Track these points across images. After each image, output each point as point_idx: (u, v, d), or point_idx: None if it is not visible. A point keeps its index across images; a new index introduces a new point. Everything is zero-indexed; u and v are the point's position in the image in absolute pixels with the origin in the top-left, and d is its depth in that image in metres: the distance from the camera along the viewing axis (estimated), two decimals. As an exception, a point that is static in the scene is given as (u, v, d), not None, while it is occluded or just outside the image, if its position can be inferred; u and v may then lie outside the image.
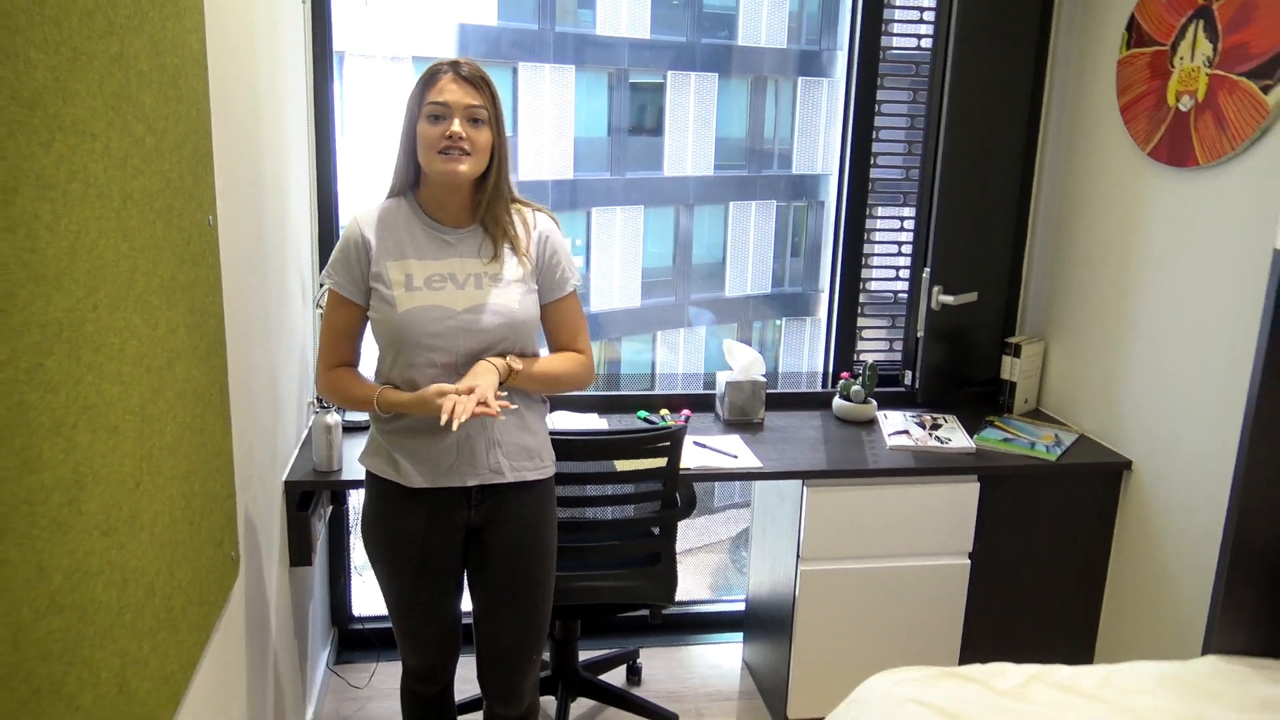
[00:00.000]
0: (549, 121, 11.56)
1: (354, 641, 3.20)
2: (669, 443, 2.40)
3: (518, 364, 1.91)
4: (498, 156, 1.90)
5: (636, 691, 2.97)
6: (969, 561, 2.73)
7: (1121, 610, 2.77)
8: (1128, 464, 2.73)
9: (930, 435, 2.84)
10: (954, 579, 2.73)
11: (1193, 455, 2.50)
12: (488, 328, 1.90)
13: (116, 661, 1.20)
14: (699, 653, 3.26)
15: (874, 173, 3.20)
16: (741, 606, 3.31)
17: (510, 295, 1.92)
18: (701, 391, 3.11)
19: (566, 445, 2.30)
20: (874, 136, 3.17)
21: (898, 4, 3.10)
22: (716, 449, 2.71)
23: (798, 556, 2.65)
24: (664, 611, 3.17)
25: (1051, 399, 3.12)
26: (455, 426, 1.70)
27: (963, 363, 3.15)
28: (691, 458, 2.63)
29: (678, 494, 2.53)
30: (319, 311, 2.72)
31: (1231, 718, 1.87)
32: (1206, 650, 2.11)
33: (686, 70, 12.39)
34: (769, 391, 3.06)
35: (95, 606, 1.14)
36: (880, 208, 3.24)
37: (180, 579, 1.47)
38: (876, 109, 3.15)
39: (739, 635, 3.33)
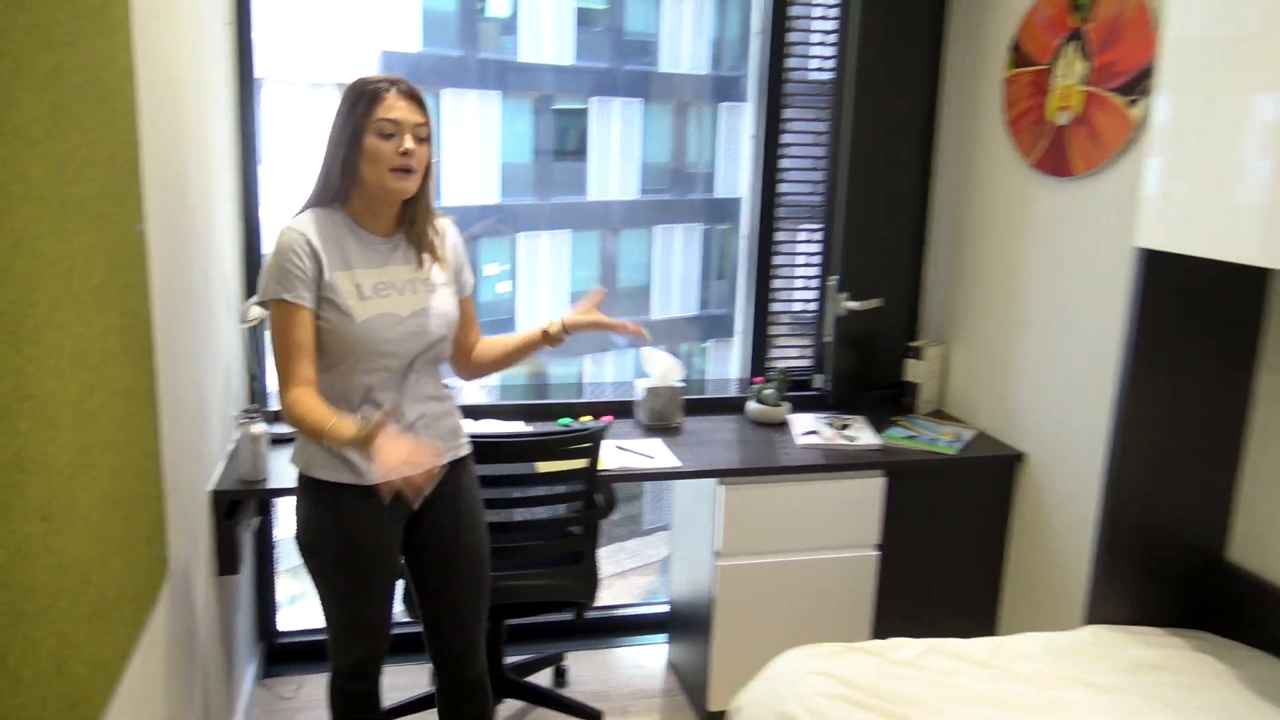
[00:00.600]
0: (474, 147, 11.65)
1: (281, 655, 3.22)
2: (589, 444, 2.50)
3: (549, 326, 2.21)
4: (430, 171, 2.01)
5: (563, 692, 3.05)
6: (878, 553, 2.88)
7: (1019, 590, 2.95)
8: (1020, 456, 2.92)
9: (839, 434, 2.99)
10: (864, 569, 2.88)
11: (1076, 445, 2.69)
12: (431, 331, 2.02)
13: (54, 642, 1.26)
14: (624, 654, 3.35)
15: (783, 188, 3.36)
16: (665, 609, 3.41)
17: (443, 299, 2.06)
18: (623, 399, 3.22)
19: (489, 447, 2.39)
20: (781, 154, 3.33)
21: (801, 28, 3.27)
22: (636, 451, 2.82)
23: (715, 553, 2.77)
24: (588, 614, 3.28)
25: (953, 399, 3.30)
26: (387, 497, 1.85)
27: (870, 366, 3.32)
28: (611, 459, 2.73)
29: (598, 495, 2.63)
30: (245, 327, 2.78)
31: (1109, 679, 2.03)
32: (1088, 621, 2.28)
33: (610, 96, 12.59)
34: (687, 398, 3.19)
35: (35, 587, 1.20)
36: (789, 221, 3.41)
37: (113, 571, 1.53)
38: (782, 128, 3.31)
39: (664, 637, 3.43)
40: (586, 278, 13.19)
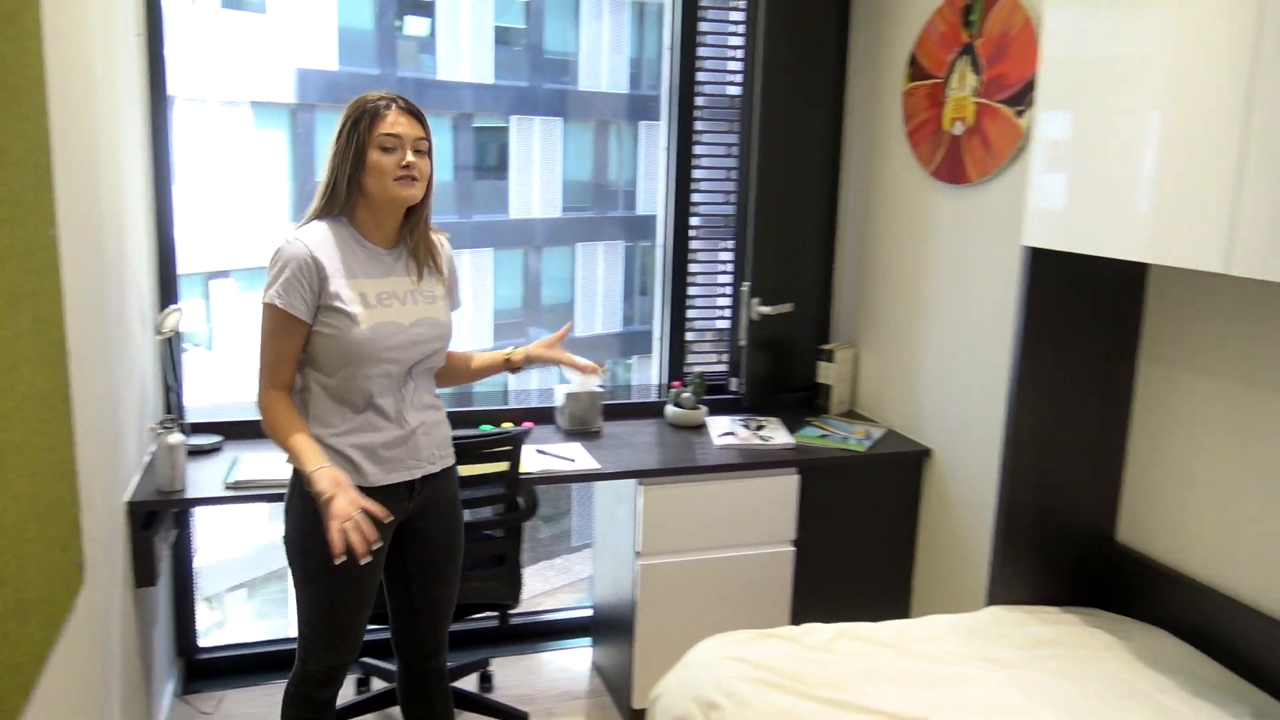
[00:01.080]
0: (393, 165, 11.55)
1: (201, 671, 3.19)
2: (509, 446, 2.55)
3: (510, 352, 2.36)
4: (431, 186, 2.10)
5: (489, 696, 3.07)
6: (793, 548, 2.97)
7: (929, 577, 3.07)
8: (927, 452, 3.04)
9: (754, 435, 3.08)
10: (780, 564, 2.96)
11: (977, 439, 2.82)
12: (429, 339, 2.12)
13: (-30, 638, 1.27)
14: (549, 659, 3.39)
15: (697, 198, 3.45)
16: (589, 613, 3.46)
17: (440, 310, 2.17)
18: (544, 405, 3.27)
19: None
20: (694, 167, 3.43)
21: (713, 43, 3.38)
22: (557, 455, 2.87)
23: (636, 553, 2.83)
24: (513, 620, 3.31)
25: (863, 399, 3.42)
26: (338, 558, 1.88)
27: (784, 370, 3.42)
28: (532, 463, 2.78)
29: (520, 498, 2.67)
30: (161, 339, 2.76)
31: (1008, 654, 2.14)
32: (990, 603, 2.40)
33: (530, 114, 12.64)
34: (607, 403, 3.25)
35: (-50, 582, 1.21)
36: (705, 230, 3.50)
37: (30, 574, 1.53)
38: (695, 140, 3.41)
39: (588, 640, 3.47)
40: (510, 295, 13.18)
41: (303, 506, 2.06)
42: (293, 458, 1.99)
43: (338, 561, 1.88)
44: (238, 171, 9.89)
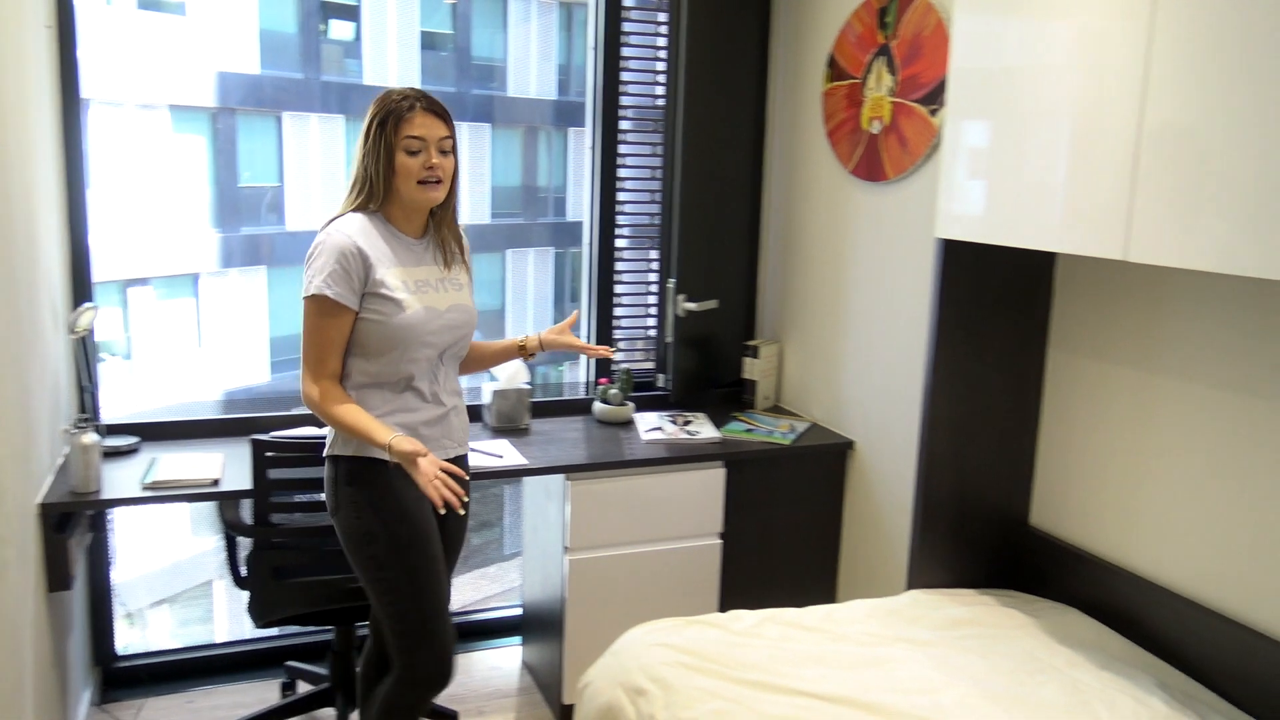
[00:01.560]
0: (318, 171, 11.43)
1: (120, 680, 3.11)
2: (435, 442, 2.54)
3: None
4: (456, 179, 2.16)
5: (419, 697, 3.05)
6: (720, 541, 3.01)
7: (854, 564, 3.14)
8: (850, 444, 3.11)
9: (681, 430, 3.12)
10: (708, 556, 3.00)
11: (898, 429, 2.88)
12: (460, 325, 2.20)
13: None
14: (479, 658, 3.37)
15: (623, 197, 3.48)
16: (519, 611, 3.45)
17: (467, 297, 2.25)
18: (471, 403, 3.25)
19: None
20: (620, 166, 3.45)
21: (636, 44, 3.41)
22: (484, 451, 2.87)
23: (565, 548, 2.84)
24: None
25: (789, 394, 3.48)
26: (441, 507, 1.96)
27: (710, 366, 3.47)
28: (460, 460, 2.77)
29: (447, 494, 2.66)
30: (74, 338, 2.70)
31: (927, 635, 2.20)
32: (909, 587, 2.46)
33: (458, 120, 12.56)
34: (534, 400, 3.26)
35: None
36: (631, 229, 3.53)
37: (-66, 569, 1.49)
38: (620, 139, 3.44)
39: (518, 639, 3.47)
40: (439, 303, 13.06)
41: (355, 495, 2.11)
42: (363, 435, 2.02)
43: (442, 512, 1.97)
44: (156, 177, 9.67)
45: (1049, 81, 1.95)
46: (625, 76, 3.42)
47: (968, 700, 1.92)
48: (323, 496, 2.21)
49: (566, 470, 2.80)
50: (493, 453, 2.86)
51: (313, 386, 2.07)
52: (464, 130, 12.52)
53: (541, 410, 3.31)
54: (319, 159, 11.39)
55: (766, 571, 3.10)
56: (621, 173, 3.47)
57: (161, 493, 2.49)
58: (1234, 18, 1.59)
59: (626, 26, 3.39)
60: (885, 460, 2.96)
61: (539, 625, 3.16)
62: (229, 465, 2.67)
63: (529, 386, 3.17)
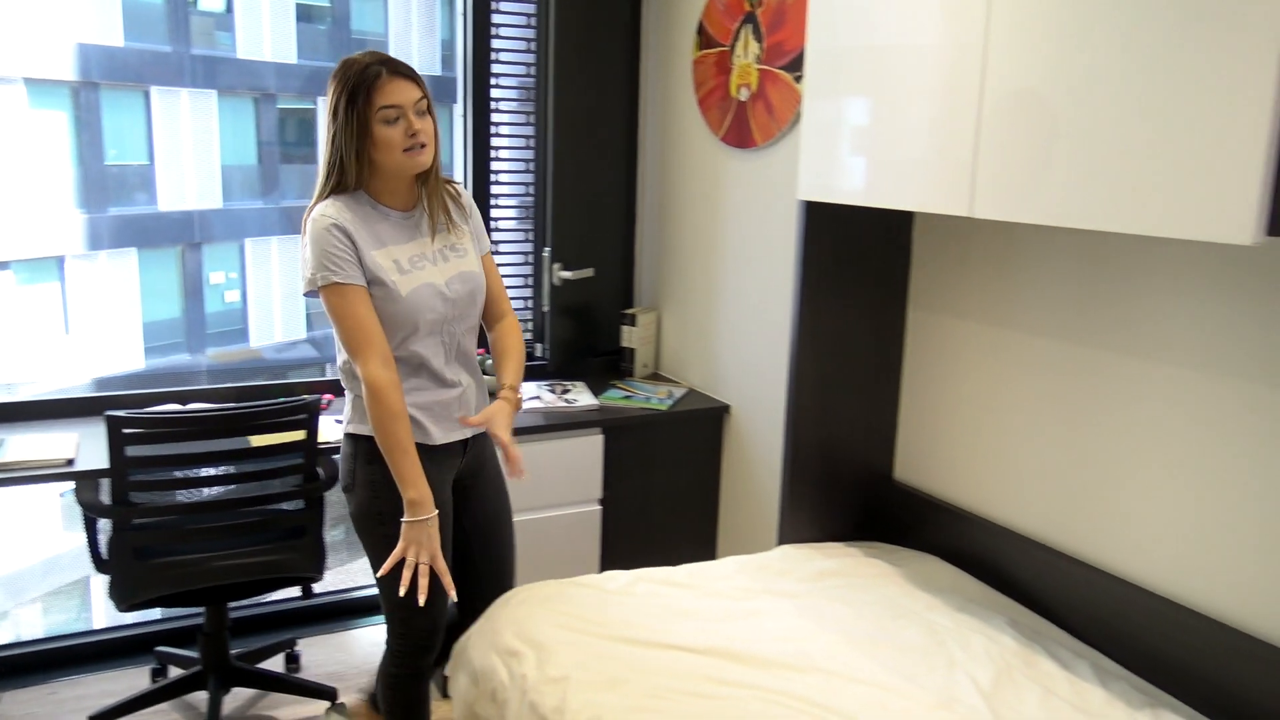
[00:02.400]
0: (190, 148, 11.01)
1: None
2: (304, 414, 2.49)
3: (514, 392, 2.20)
4: (437, 140, 2.08)
5: (297, 675, 3.00)
6: (600, 507, 3.03)
7: (732, 524, 3.21)
8: (726, 408, 3.16)
9: (560, 399, 3.12)
10: (589, 522, 3.02)
11: (769, 391, 2.95)
12: (465, 295, 2.13)
13: None
14: (361, 635, 3.33)
15: (498, 166, 3.45)
16: (402, 586, 3.42)
17: (470, 262, 2.17)
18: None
19: (198, 421, 2.34)
20: (493, 135, 3.42)
21: (507, 11, 3.38)
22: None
23: (444, 519, 2.82)
24: (323, 598, 3.25)
25: (666, 361, 3.52)
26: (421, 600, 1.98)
27: (588, 335, 3.48)
28: (332, 433, 2.72)
29: (319, 468, 2.62)
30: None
31: (795, 587, 2.26)
32: (780, 542, 2.52)
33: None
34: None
35: None
36: (506, 199, 3.51)
37: None
38: (494, 107, 3.41)
39: (401, 614, 3.43)
40: (325, 284, 12.73)
41: (373, 474, 2.08)
42: (393, 465, 2.00)
43: (402, 593, 1.97)
44: (12, 155, 9.19)
45: (899, 49, 2.01)
46: (497, 45, 3.38)
47: (832, 647, 1.99)
48: (179, 474, 2.16)
49: (442, 441, 2.78)
50: (366, 425, 2.82)
51: (378, 370, 1.99)
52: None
53: (418, 383, 3.27)
54: (191, 136, 10.98)
55: (647, 535, 3.14)
56: (496, 143, 3.44)
57: (12, 474, 2.38)
58: (1063, -19, 1.66)
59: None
60: (759, 422, 3.02)
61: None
62: (85, 445, 2.57)
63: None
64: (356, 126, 1.98)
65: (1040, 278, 2.16)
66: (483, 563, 2.33)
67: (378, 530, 2.11)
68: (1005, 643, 2.00)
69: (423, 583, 1.97)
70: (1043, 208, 1.72)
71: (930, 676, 1.89)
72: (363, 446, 2.10)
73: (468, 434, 2.20)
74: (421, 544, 1.99)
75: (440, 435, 2.14)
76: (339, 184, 2.04)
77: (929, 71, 1.94)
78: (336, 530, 8.08)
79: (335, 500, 2.53)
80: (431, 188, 2.13)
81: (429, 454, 2.11)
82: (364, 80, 1.96)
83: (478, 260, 2.20)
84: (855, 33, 2.13)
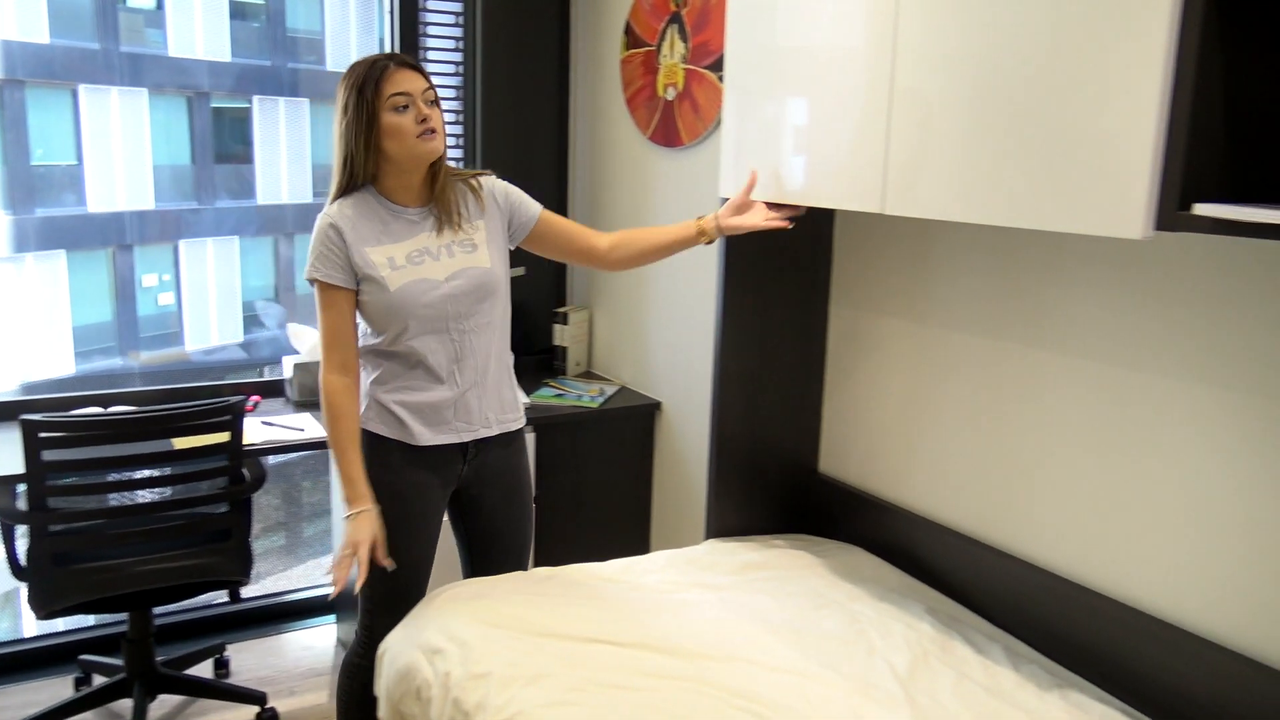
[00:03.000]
0: (120, 148, 10.79)
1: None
2: (228, 416, 2.47)
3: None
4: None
5: (225, 681, 2.97)
6: (533, 505, 3.03)
7: (665, 520, 3.24)
8: (658, 405, 3.19)
9: (491, 397, 3.12)
10: (520, 522, 3.03)
11: (698, 388, 2.98)
12: (468, 291, 2.10)
13: None
14: (291, 639, 3.30)
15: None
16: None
17: (481, 257, 2.13)
18: (274, 379, 3.18)
19: (117, 424, 2.30)
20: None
21: (435, 8, 3.37)
22: (284, 425, 2.80)
23: (374, 520, 2.81)
24: (252, 602, 3.22)
25: (600, 359, 3.54)
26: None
27: (520, 334, 3.47)
28: (259, 434, 2.70)
29: (244, 469, 2.59)
30: None
31: (721, 579, 2.29)
32: (708, 536, 2.55)
33: (274, 95, 12.07)
34: (341, 374, 3.19)
35: None
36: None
37: None
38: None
39: (332, 617, 3.41)
40: (262, 287, 12.59)
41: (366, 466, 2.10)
42: (340, 467, 2.05)
43: (334, 594, 2.02)
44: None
45: (814, 50, 2.05)
46: (426, 43, 3.37)
47: (755, 637, 2.02)
48: (98, 479, 2.13)
49: (371, 441, 2.77)
50: (294, 426, 2.80)
51: (323, 378, 2.06)
52: (280, 106, 12.06)
53: (348, 383, 3.25)
54: (121, 136, 10.76)
55: (580, 532, 3.16)
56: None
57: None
58: (966, -16, 1.71)
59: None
60: (689, 418, 3.05)
61: (353, 601, 3.11)
62: (1, 450, 2.52)
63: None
64: (366, 117, 1.99)
65: (955, 274, 2.22)
66: (495, 570, 2.34)
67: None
68: (923, 629, 2.04)
69: (361, 571, 2.01)
70: (948, 205, 1.76)
71: (850, 664, 1.93)
72: (365, 436, 2.14)
73: (464, 438, 2.17)
74: (360, 539, 2.02)
75: (428, 436, 2.13)
76: (349, 184, 2.07)
77: (842, 72, 1.98)
78: (275, 536, 7.97)
79: (263, 504, 2.49)
80: (439, 181, 2.12)
81: (414, 454, 2.13)
82: (372, 72, 2.00)
83: (496, 256, 2.17)
84: (772, 33, 2.16)
